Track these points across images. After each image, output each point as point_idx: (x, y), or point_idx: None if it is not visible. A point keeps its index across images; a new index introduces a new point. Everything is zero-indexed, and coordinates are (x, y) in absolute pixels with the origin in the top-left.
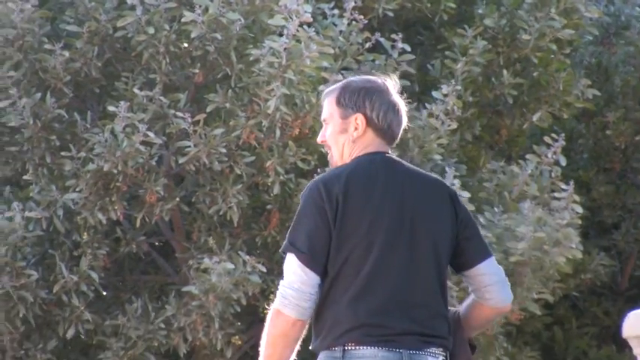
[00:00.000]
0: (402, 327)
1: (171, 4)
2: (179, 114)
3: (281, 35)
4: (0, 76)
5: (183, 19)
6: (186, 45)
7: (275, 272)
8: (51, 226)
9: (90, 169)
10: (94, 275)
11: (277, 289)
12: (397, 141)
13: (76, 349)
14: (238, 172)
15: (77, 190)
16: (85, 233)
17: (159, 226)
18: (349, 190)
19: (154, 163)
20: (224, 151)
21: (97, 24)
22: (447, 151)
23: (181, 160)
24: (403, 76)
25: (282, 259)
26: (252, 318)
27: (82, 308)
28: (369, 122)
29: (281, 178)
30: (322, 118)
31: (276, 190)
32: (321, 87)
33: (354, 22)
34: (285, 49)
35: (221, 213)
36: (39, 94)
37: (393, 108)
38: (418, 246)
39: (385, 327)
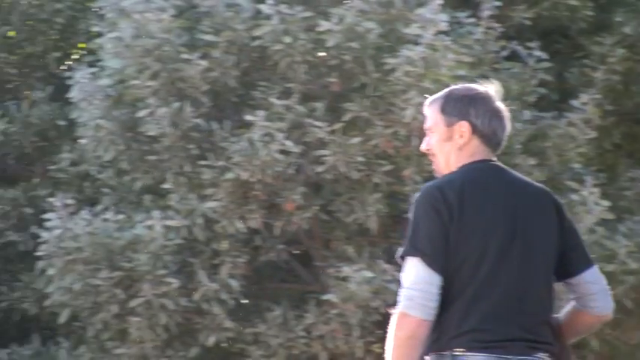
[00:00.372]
0: (511, 334)
1: (307, 13)
2: (316, 123)
3: (417, 44)
4: (139, 86)
5: (319, 29)
6: (322, 54)
7: None
8: (191, 235)
9: (228, 177)
10: (234, 283)
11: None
12: (502, 148)
13: (217, 356)
14: (376, 180)
15: (216, 198)
16: (225, 241)
17: (298, 235)
18: (464, 196)
19: (292, 171)
20: (362, 159)
21: (233, 33)
22: (586, 160)
23: (319, 169)
24: (540, 84)
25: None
26: None
27: (223, 316)
28: (474, 129)
29: (418, 186)
30: (426, 127)
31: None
32: None
33: (490, 31)
34: (421, 57)
35: (360, 221)
36: (177, 104)
37: (497, 114)
38: (529, 255)
39: (494, 333)
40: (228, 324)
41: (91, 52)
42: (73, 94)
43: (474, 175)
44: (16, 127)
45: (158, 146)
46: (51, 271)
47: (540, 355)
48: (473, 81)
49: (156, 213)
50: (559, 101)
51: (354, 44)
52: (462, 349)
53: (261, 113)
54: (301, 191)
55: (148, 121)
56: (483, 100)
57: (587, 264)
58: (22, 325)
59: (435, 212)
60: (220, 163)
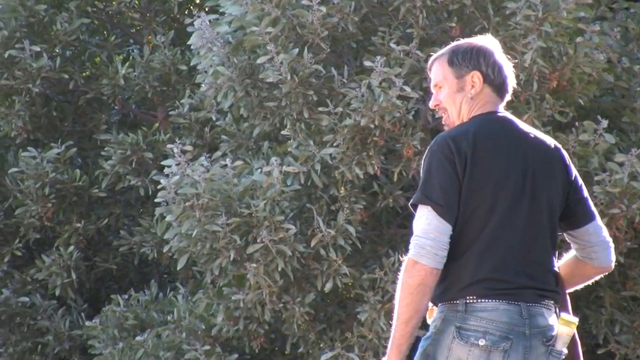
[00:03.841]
0: (520, 282)
1: None
2: None
3: None
4: (258, 32)
5: None
6: None
7: None
8: (309, 181)
9: (347, 123)
10: (352, 229)
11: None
12: (509, 97)
13: (334, 302)
14: None
15: (334, 144)
16: (343, 187)
17: (416, 180)
18: (477, 147)
19: (410, 117)
20: None
21: None
22: None
23: (438, 115)
24: None
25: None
26: None
27: (340, 262)
28: (485, 79)
29: (540, 129)
30: (433, 83)
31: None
32: (578, 38)
33: None
34: (541, 1)
35: None
36: (296, 50)
37: (504, 65)
38: (537, 206)
39: (505, 281)
40: (345, 270)
41: None
42: (193, 41)
43: (486, 126)
44: (138, 72)
45: (277, 93)
46: (169, 218)
47: (547, 302)
48: (592, 22)
49: (274, 159)
50: None
51: None
52: (474, 297)
53: (380, 59)
54: (420, 137)
55: (266, 68)
56: (490, 51)
57: (592, 217)
58: (141, 269)
59: (449, 163)
60: (339, 109)
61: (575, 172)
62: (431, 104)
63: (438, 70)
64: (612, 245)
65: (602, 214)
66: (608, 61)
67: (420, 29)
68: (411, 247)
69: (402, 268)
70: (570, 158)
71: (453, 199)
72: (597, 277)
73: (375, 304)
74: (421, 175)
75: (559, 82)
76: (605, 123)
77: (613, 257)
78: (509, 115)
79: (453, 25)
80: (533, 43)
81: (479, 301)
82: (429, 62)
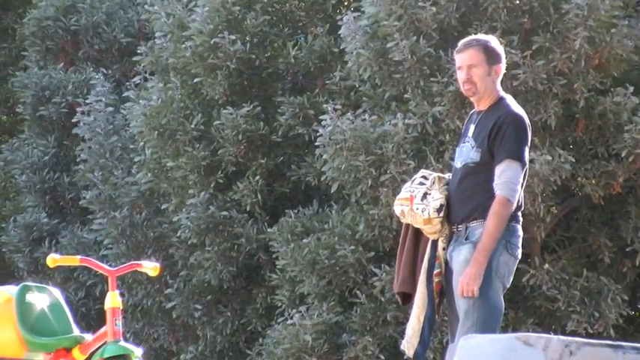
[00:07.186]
0: None
1: None
2: (512, 50)
3: None
4: (388, 26)
5: None
6: (517, 2)
7: (582, 161)
8: (424, 130)
9: (451, 90)
10: None
11: (584, 174)
12: None
13: None
14: (555, 91)
15: (442, 104)
16: (447, 135)
17: None
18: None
19: None
20: (544, 76)
21: None
22: None
23: (515, 83)
24: None
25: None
26: (565, 194)
27: None
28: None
29: (585, 95)
30: (469, 63)
31: (582, 103)
32: (612, 30)
33: None
34: (586, 4)
35: (543, 120)
36: (415, 37)
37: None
38: None
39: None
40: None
41: (356, 0)
42: (342, 32)
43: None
44: (303, 53)
45: (401, 68)
46: (325, 156)
47: None
48: (622, 18)
49: (399, 115)
50: None
51: None
52: (515, 223)
53: None
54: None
55: (393, 50)
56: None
57: None
58: (306, 192)
59: (529, 133)
60: (444, 79)
61: None
62: (465, 76)
63: (473, 55)
64: None
65: (630, 154)
66: (635, 46)
67: (501, 23)
68: (505, 188)
69: (496, 202)
70: (608, 114)
71: (526, 160)
72: None
73: None
74: (509, 134)
75: (600, 60)
76: (631, 89)
77: None
78: None
79: (525, 20)
80: (581, 33)
81: (517, 226)
82: (466, 46)
